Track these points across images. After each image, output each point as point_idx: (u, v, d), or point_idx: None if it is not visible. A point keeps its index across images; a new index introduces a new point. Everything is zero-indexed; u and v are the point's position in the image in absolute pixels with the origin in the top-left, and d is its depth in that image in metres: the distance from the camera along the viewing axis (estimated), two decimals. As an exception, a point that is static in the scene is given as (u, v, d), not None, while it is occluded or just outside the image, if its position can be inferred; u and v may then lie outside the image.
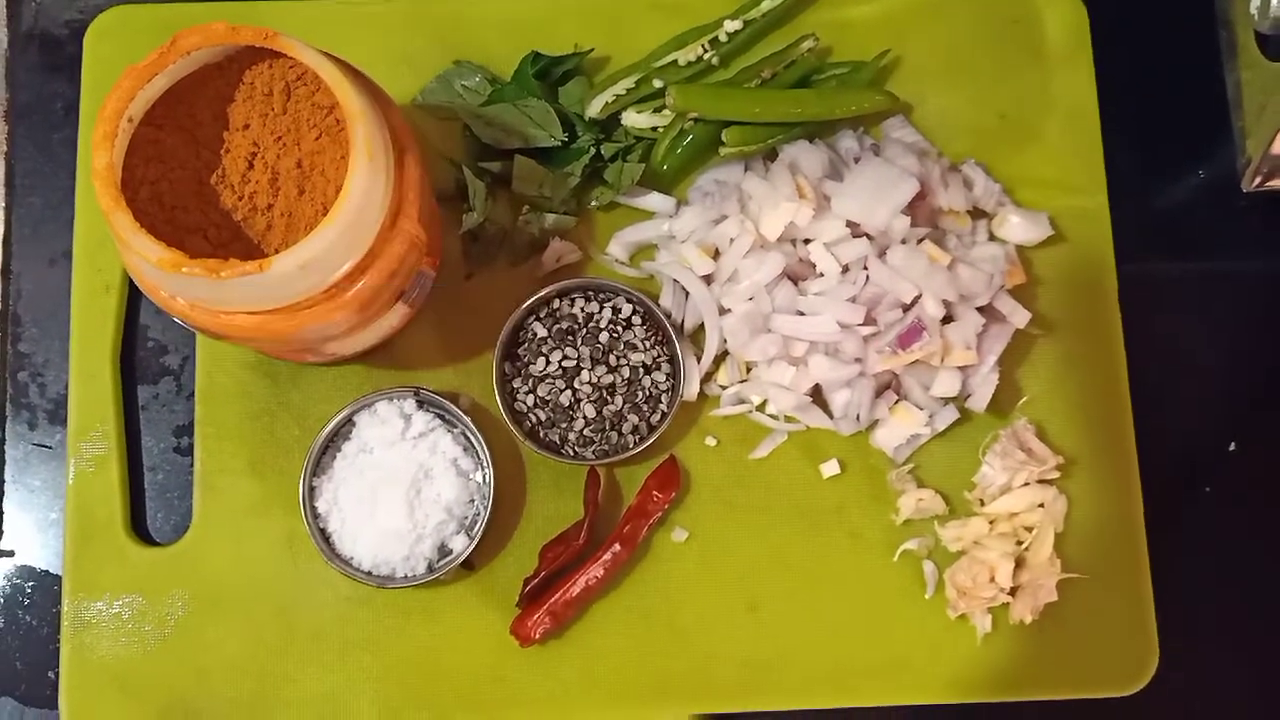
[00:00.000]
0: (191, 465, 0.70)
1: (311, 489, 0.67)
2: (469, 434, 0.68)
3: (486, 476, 0.68)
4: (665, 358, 0.70)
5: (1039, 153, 0.76)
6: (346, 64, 0.63)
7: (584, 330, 0.70)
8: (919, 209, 0.71)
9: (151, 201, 0.60)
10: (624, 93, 0.74)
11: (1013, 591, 0.67)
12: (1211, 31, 0.75)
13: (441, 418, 0.69)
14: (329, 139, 0.60)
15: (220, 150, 0.61)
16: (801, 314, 0.69)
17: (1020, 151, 0.76)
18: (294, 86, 0.61)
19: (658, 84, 0.75)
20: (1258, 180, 0.68)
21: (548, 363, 0.69)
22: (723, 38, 0.76)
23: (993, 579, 0.66)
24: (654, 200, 0.74)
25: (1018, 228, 0.73)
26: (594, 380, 0.69)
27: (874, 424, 0.70)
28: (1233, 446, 0.73)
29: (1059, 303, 0.73)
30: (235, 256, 0.60)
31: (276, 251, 0.61)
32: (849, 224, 0.69)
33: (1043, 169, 0.75)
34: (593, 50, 0.76)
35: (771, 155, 0.74)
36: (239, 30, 0.59)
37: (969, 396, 0.70)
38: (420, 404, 0.69)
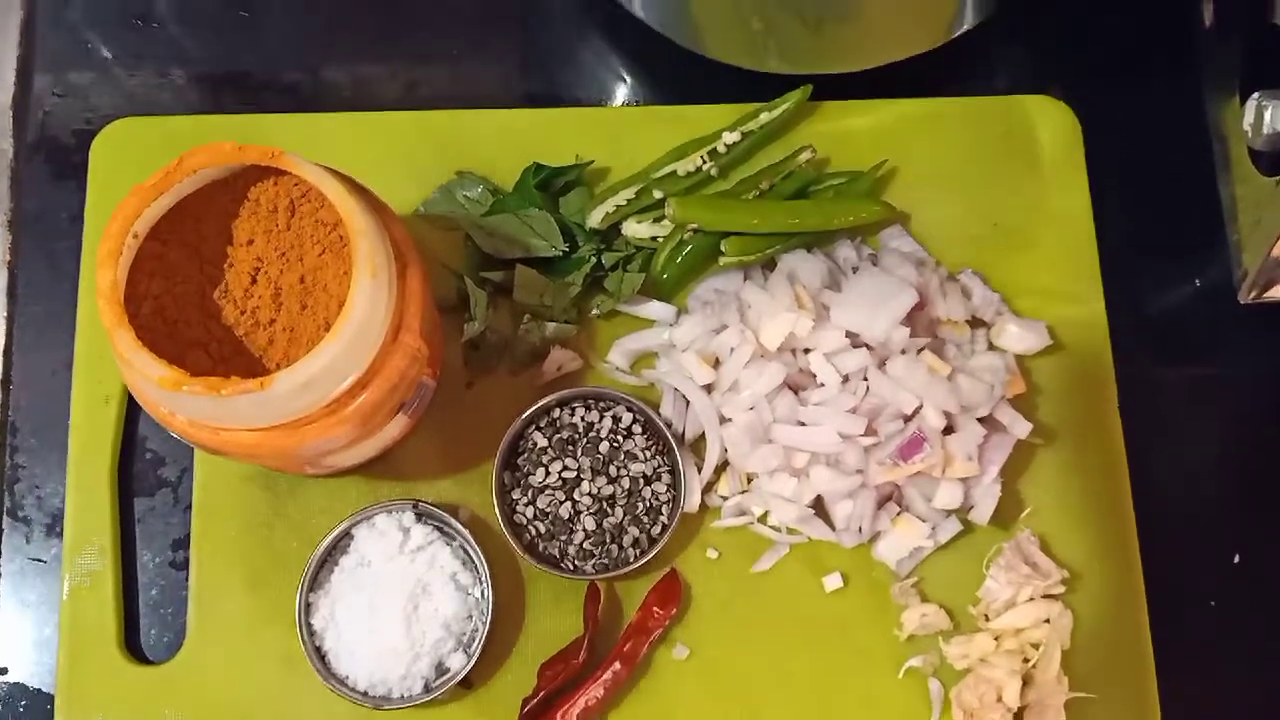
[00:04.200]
0: (187, 580, 0.69)
1: (308, 605, 0.66)
2: (468, 547, 0.68)
3: (485, 592, 0.67)
4: (666, 468, 0.70)
5: (1035, 261, 0.76)
6: (350, 180, 0.64)
7: (584, 440, 0.70)
8: (918, 318, 0.72)
9: (154, 316, 0.61)
10: (624, 203, 0.75)
11: (1020, 711, 0.65)
12: (1206, 140, 0.76)
13: (440, 530, 0.68)
14: (332, 255, 0.61)
15: (224, 265, 0.62)
16: (802, 424, 0.69)
17: (1017, 260, 0.76)
18: (298, 203, 0.61)
19: (657, 195, 0.75)
20: (1254, 293, 0.68)
21: (547, 473, 0.69)
22: (721, 149, 0.77)
23: (1000, 699, 0.64)
24: (654, 309, 0.74)
25: (1016, 337, 0.73)
26: (594, 491, 0.68)
27: (876, 536, 0.70)
28: (1237, 559, 0.72)
29: (1059, 411, 0.73)
30: (236, 371, 0.60)
31: (278, 366, 0.61)
32: (848, 334, 0.70)
33: (1039, 277, 0.76)
34: (593, 162, 0.77)
35: (770, 264, 0.75)
36: (245, 150, 0.59)
37: (971, 508, 0.70)
38: (419, 516, 0.68)
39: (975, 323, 0.74)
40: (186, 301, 0.61)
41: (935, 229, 0.77)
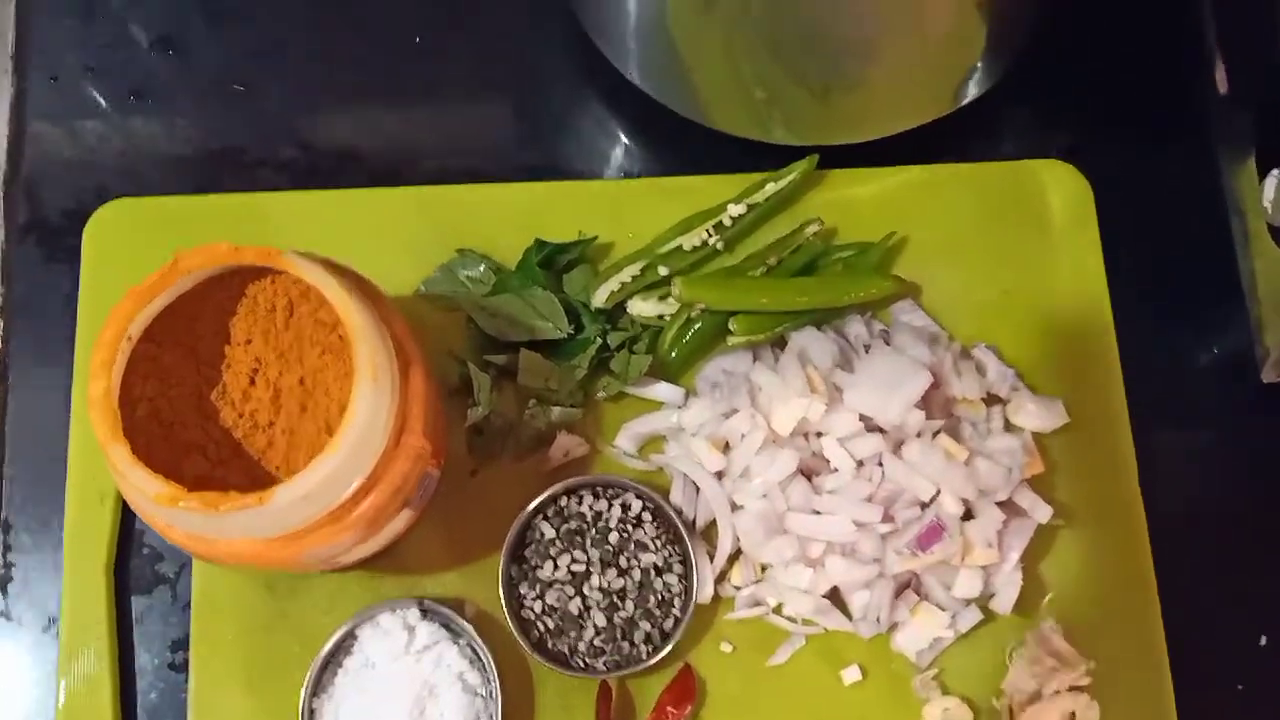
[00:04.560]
0: (186, 682, 0.67)
1: (311, 710, 0.64)
2: (475, 645, 0.66)
3: (493, 691, 0.65)
4: (677, 558, 0.68)
5: (1050, 331, 0.75)
6: (350, 272, 0.62)
7: (593, 530, 0.68)
8: (932, 398, 0.70)
9: (149, 419, 0.59)
10: (629, 280, 0.73)
11: (1048, 810, 0.64)
12: (1221, 204, 0.75)
13: (447, 628, 0.66)
14: (332, 356, 0.59)
15: (221, 365, 0.60)
16: (817, 512, 0.67)
17: (1031, 330, 0.75)
18: (297, 302, 0.60)
19: (663, 271, 0.74)
20: (1278, 372, 0.67)
21: (555, 566, 0.67)
22: (727, 222, 0.75)
23: (1028, 798, 0.63)
24: (662, 390, 0.72)
25: (1033, 415, 0.72)
26: (604, 585, 0.66)
27: (895, 626, 0.68)
28: (1263, 640, 0.70)
29: (1079, 489, 0.72)
30: (235, 474, 0.59)
31: (278, 469, 0.59)
32: (862, 418, 0.68)
33: (1055, 348, 0.74)
34: (596, 238, 0.75)
35: (780, 342, 0.73)
36: (242, 250, 0.58)
37: (992, 596, 0.68)
38: (424, 614, 0.66)
39: (991, 399, 0.72)
40: (183, 404, 0.59)
41: (947, 300, 0.75)
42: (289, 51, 0.80)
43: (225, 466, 0.59)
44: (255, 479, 0.59)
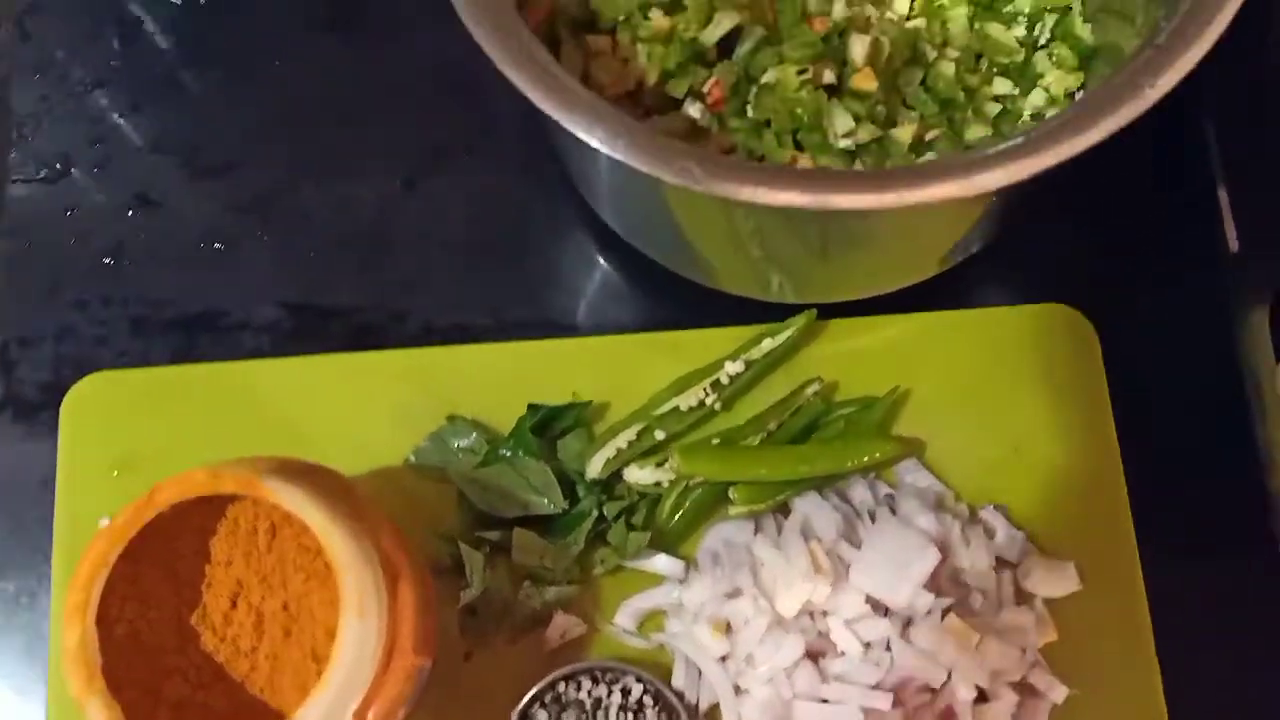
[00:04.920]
0: None
1: None
2: None
3: None
4: (681, 746, 0.66)
5: (1059, 489, 0.72)
6: (334, 486, 0.60)
7: (593, 718, 0.66)
8: (941, 570, 0.67)
9: (128, 640, 0.57)
10: (625, 446, 0.71)
11: None
12: (1235, 359, 0.73)
13: (444, 833, 0.64)
14: (317, 582, 0.57)
15: (201, 585, 0.58)
16: (825, 700, 0.65)
17: (1040, 488, 0.72)
18: (279, 525, 0.57)
19: (659, 435, 0.72)
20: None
21: (555, 763, 0.65)
22: (724, 380, 0.73)
23: None
24: (661, 563, 0.70)
25: (1045, 582, 0.70)
26: (606, 777, 0.64)
27: (908, 816, 0.65)
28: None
29: (1093, 656, 0.69)
30: (217, 697, 0.58)
31: (261, 693, 0.57)
32: (869, 598, 0.66)
33: (1065, 506, 0.72)
34: (590, 403, 0.73)
35: (783, 508, 0.71)
36: (220, 478, 0.55)
37: (1006, 778, 0.66)
38: (420, 819, 0.64)
39: (1001, 563, 0.70)
40: (162, 627, 0.57)
41: (953, 456, 0.73)
42: (271, 207, 0.78)
43: (207, 690, 0.57)
44: (238, 703, 0.57)
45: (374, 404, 0.73)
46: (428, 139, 0.79)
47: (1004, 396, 0.74)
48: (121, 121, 0.79)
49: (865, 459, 0.71)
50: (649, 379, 0.73)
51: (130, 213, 0.78)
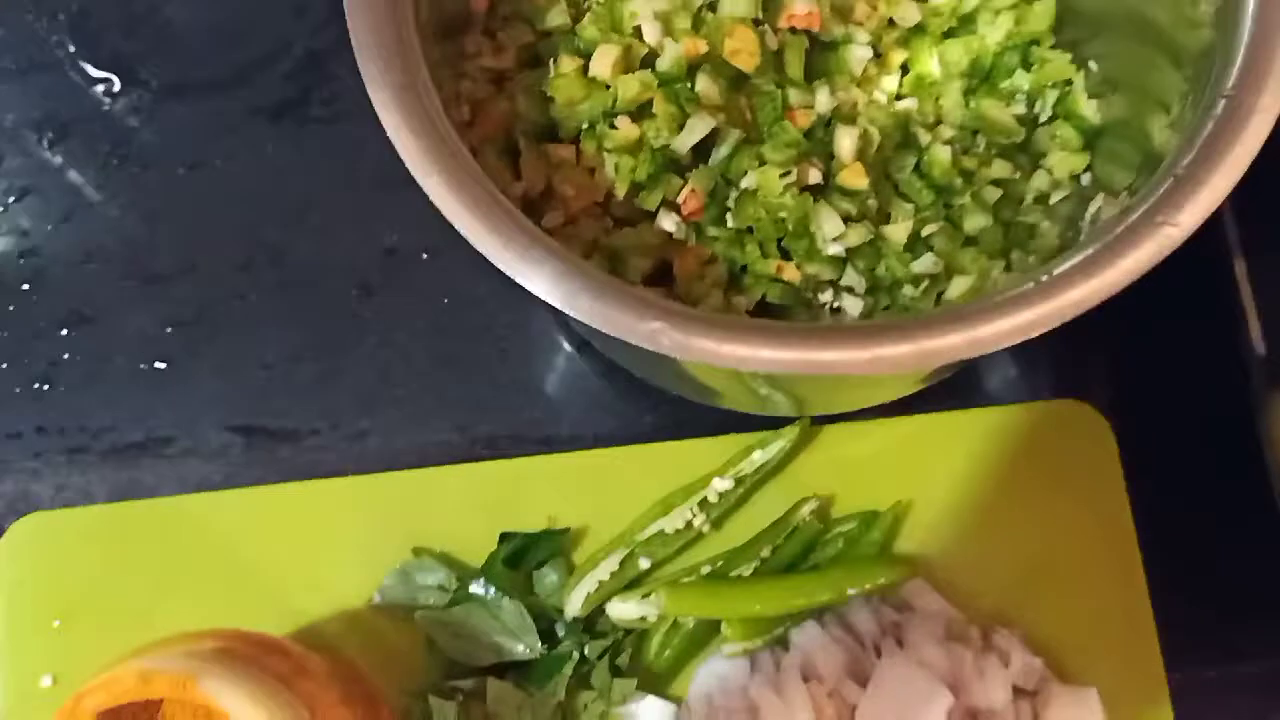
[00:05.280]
0: None
1: None
2: None
3: None
4: None
5: (1078, 606, 0.67)
6: (288, 663, 0.54)
7: None
8: (954, 708, 0.62)
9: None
10: (607, 577, 0.66)
11: None
12: (1261, 461, 0.67)
13: None
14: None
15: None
16: None
17: (1057, 605, 0.67)
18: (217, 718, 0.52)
19: (644, 564, 0.66)
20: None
21: None
22: (712, 498, 0.68)
23: None
24: (650, 708, 0.65)
25: (1065, 711, 0.64)
26: None
27: None
28: None
29: (1120, 787, 0.64)
30: None
31: None
32: (878, 747, 0.61)
33: (1085, 626, 0.67)
34: (568, 530, 0.68)
35: (781, 641, 0.65)
36: (152, 681, 0.50)
37: None
38: None
39: (1018, 691, 0.65)
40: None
41: (963, 574, 0.68)
42: (216, 319, 0.72)
43: None
44: None
45: (334, 538, 0.68)
46: (384, 240, 0.73)
47: (1015, 504, 0.69)
48: (52, 231, 0.73)
49: (868, 584, 0.65)
50: (631, 497, 0.68)
51: (64, 331, 0.72)
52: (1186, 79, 0.54)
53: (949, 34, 0.69)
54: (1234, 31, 0.48)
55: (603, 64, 0.58)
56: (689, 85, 0.58)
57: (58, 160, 0.74)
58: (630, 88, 0.57)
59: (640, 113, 0.58)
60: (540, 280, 0.46)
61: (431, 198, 0.48)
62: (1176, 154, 0.47)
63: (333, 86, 0.75)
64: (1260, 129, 0.45)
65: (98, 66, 0.75)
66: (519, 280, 0.47)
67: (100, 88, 0.75)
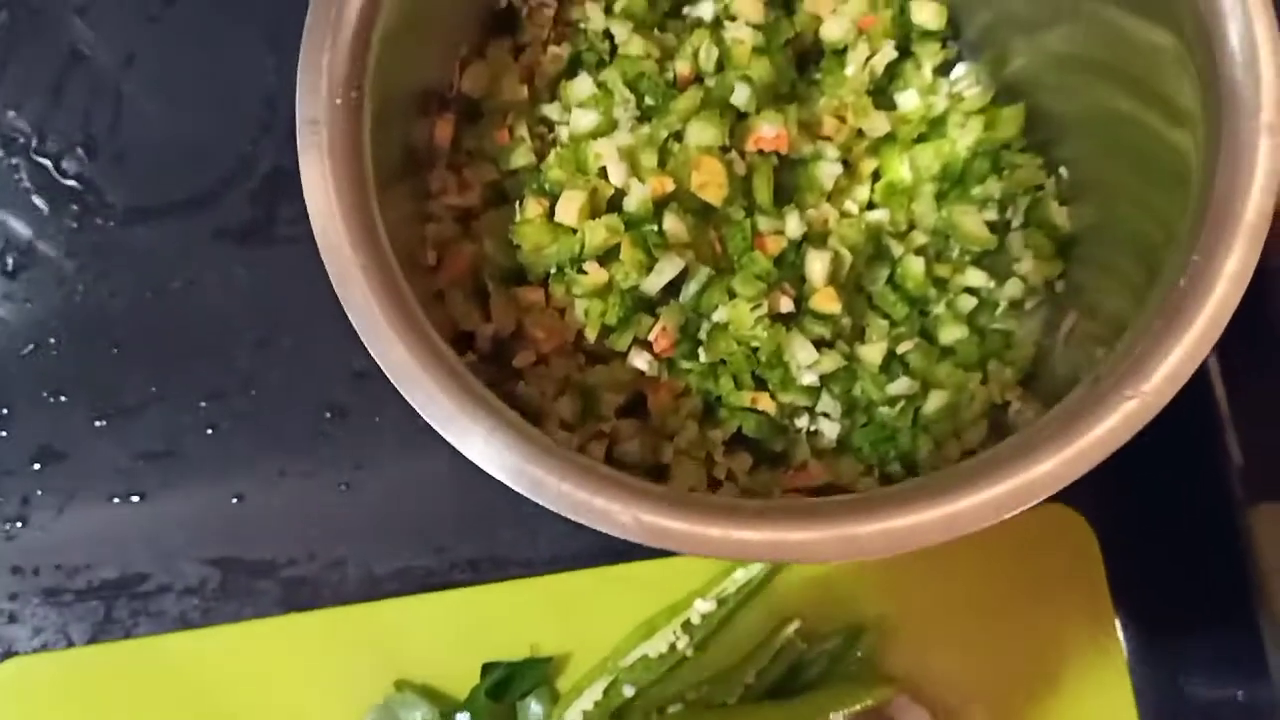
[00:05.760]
0: None
1: None
2: None
3: None
4: None
5: (1065, 715, 0.67)
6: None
7: None
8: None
9: None
10: (591, 707, 0.66)
11: None
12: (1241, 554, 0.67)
13: None
14: None
15: None
16: None
17: (1044, 717, 0.67)
18: None
19: (628, 691, 0.66)
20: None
21: None
22: (695, 620, 0.67)
23: None
24: (640, 839, 0.64)
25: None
26: None
27: None
28: None
29: None
30: None
31: None
32: None
33: (1073, 737, 0.67)
34: (551, 660, 0.67)
35: (767, 766, 0.65)
36: None
37: None
38: None
39: (1008, 812, 0.65)
40: None
41: (948, 688, 0.67)
42: (189, 450, 0.71)
43: None
44: None
45: (316, 673, 0.67)
46: (354, 363, 0.72)
47: (1000, 613, 0.68)
48: (18, 363, 0.72)
49: (856, 705, 0.65)
50: (614, 619, 0.68)
51: (35, 466, 0.71)
52: (1160, 195, 0.53)
53: (920, 139, 0.68)
54: (1201, 186, 0.48)
55: (569, 210, 0.57)
56: (656, 227, 0.57)
57: (20, 289, 0.73)
58: (598, 234, 0.56)
59: (609, 255, 0.58)
60: (508, 468, 0.46)
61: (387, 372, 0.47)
62: (1148, 317, 0.47)
63: (299, 205, 0.74)
64: (1229, 297, 0.44)
65: (58, 191, 0.74)
66: (486, 467, 0.46)
67: (62, 215, 0.74)
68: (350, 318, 0.49)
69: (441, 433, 0.46)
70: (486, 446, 0.45)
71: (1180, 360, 0.44)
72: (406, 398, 0.47)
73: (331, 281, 0.49)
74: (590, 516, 0.45)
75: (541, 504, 0.45)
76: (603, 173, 0.58)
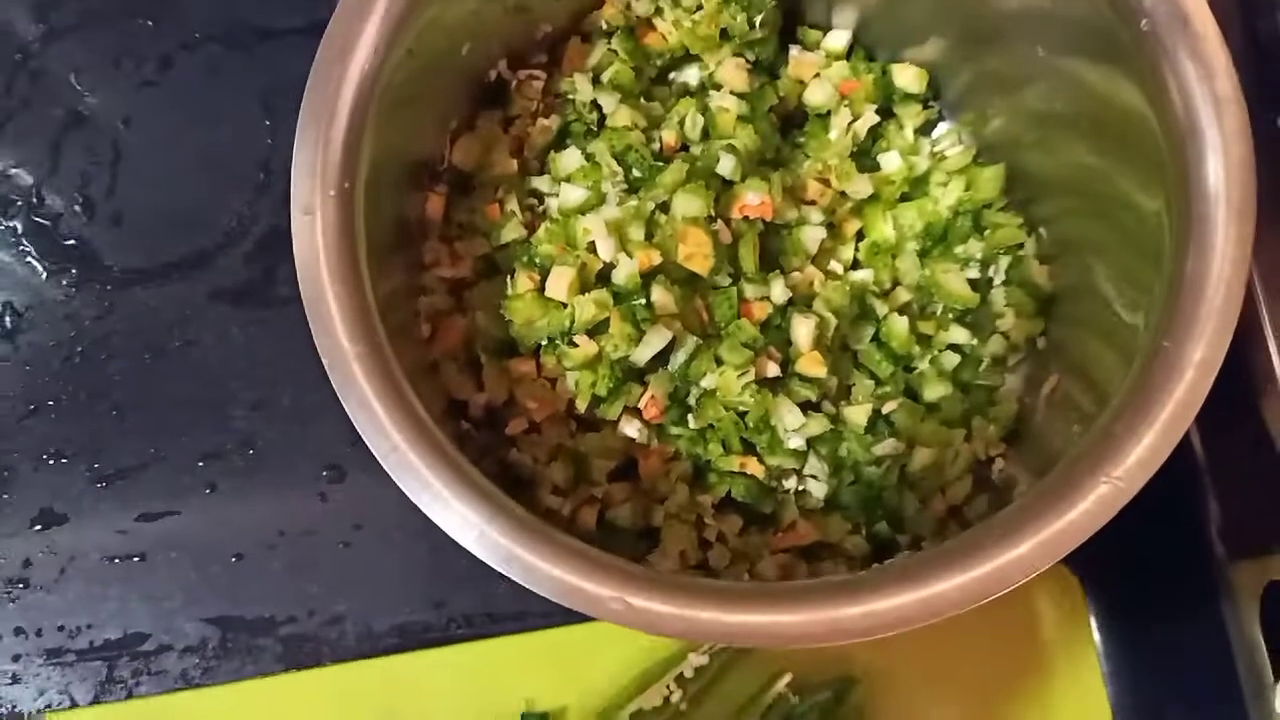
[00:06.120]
0: None
1: None
2: None
3: None
4: None
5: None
6: None
7: None
8: None
9: None
10: (587, 764, 0.67)
11: None
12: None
13: None
14: None
15: None
16: None
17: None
18: None
19: (623, 747, 0.67)
20: None
21: None
22: (689, 674, 0.68)
23: None
24: None
25: None
26: None
27: None
28: None
29: None
30: None
31: None
32: None
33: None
34: (547, 715, 0.68)
35: (759, 817, 0.66)
36: None
37: None
38: None
39: None
40: None
41: (937, 735, 0.69)
42: (188, 512, 0.72)
43: None
44: None
45: (314, 726, 0.68)
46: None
47: (988, 664, 0.70)
48: (18, 427, 0.73)
49: (844, 760, 0.66)
50: (608, 671, 0.69)
51: (36, 528, 0.72)
52: (1136, 260, 0.54)
53: (903, 198, 0.69)
54: (1174, 263, 0.49)
55: (559, 286, 0.58)
56: (644, 300, 0.59)
57: (19, 352, 0.74)
58: (587, 310, 0.57)
59: (598, 328, 0.59)
60: (499, 555, 0.47)
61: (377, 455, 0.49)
62: (1124, 396, 0.48)
63: (295, 265, 0.75)
64: (1199, 384, 0.45)
65: (57, 253, 0.75)
66: (480, 554, 0.48)
67: (60, 277, 0.75)
68: (349, 413, 0.50)
69: (441, 525, 0.47)
70: (481, 538, 0.46)
71: (1152, 446, 0.45)
72: (405, 491, 0.48)
73: (329, 376, 0.50)
74: (582, 602, 0.46)
75: (535, 591, 0.47)
76: (591, 247, 0.59)
